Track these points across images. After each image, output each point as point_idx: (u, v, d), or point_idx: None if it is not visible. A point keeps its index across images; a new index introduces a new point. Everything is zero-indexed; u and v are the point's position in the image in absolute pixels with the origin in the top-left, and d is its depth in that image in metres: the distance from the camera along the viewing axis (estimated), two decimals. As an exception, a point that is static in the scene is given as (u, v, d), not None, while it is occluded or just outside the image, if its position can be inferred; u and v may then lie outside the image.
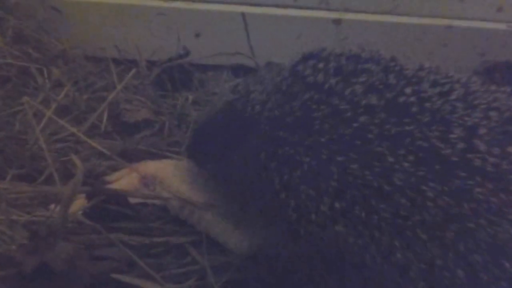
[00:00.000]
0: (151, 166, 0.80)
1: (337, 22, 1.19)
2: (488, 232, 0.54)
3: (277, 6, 1.19)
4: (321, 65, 0.62)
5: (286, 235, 0.63)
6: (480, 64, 1.20)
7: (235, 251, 0.72)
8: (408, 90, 0.58)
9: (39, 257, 0.59)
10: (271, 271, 0.68)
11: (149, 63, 1.13)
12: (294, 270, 0.66)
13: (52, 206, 0.71)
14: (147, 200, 0.76)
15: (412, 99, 0.57)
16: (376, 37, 1.18)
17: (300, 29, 1.19)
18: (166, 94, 1.08)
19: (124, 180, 0.79)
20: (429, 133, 0.55)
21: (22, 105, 0.92)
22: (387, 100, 0.57)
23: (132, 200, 0.76)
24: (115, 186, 0.78)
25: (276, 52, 1.17)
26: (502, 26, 1.18)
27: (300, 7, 1.20)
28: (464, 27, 1.18)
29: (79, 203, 0.72)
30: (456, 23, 1.18)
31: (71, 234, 0.69)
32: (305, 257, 0.63)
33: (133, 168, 0.80)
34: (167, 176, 0.77)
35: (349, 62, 0.61)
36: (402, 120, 0.56)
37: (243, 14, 1.06)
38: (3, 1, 1.05)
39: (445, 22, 1.18)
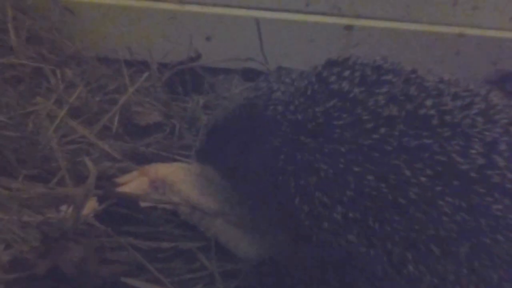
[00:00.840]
0: (161, 170, 0.80)
1: (349, 28, 1.19)
2: (504, 248, 0.54)
3: (288, 11, 1.20)
4: (346, 73, 0.61)
5: (297, 242, 0.63)
6: (492, 73, 1.19)
7: (244, 258, 0.72)
8: (428, 103, 0.58)
9: (51, 260, 0.60)
10: (280, 278, 0.68)
11: (160, 66, 1.13)
12: (304, 277, 0.66)
13: (64, 207, 0.72)
14: (158, 204, 0.76)
15: (432, 111, 0.57)
16: (388, 44, 1.18)
17: (312, 35, 1.19)
18: (177, 97, 1.09)
19: (134, 183, 0.79)
20: (448, 147, 0.55)
21: (35, 105, 0.93)
22: (408, 112, 0.57)
23: (143, 204, 0.76)
24: (125, 188, 0.78)
25: (287, 57, 1.18)
26: (514, 36, 1.17)
27: (312, 13, 1.20)
28: (476, 36, 1.17)
29: (91, 206, 0.73)
30: (469, 31, 1.18)
31: (82, 236, 0.70)
32: (315, 265, 0.63)
33: (143, 171, 0.80)
34: (177, 180, 0.78)
35: (373, 72, 0.61)
36: (421, 133, 0.56)
37: (257, 21, 1.07)
38: (18, 2, 1.06)
39: (457, 30, 1.18)
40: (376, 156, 0.56)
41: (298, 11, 1.20)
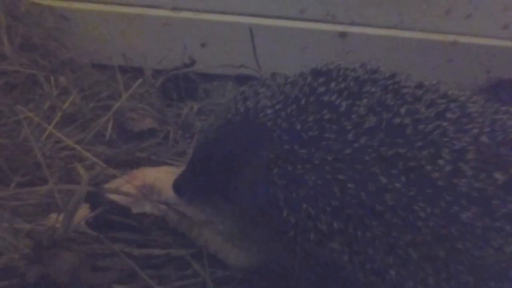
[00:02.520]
0: (149, 175, 0.79)
1: (343, 35, 1.19)
2: (474, 254, 0.55)
3: (282, 18, 1.20)
4: (333, 85, 0.62)
5: (282, 252, 0.63)
6: (485, 81, 1.20)
7: (234, 267, 0.72)
8: (403, 111, 0.59)
9: (42, 268, 0.59)
10: (272, 286, 0.68)
11: (155, 72, 1.14)
12: (292, 285, 0.66)
13: (55, 215, 0.72)
14: (149, 211, 0.76)
15: (407, 120, 0.58)
16: (381, 51, 1.19)
17: (306, 42, 1.20)
18: (171, 103, 1.09)
19: (122, 189, 0.78)
20: (419, 156, 0.56)
21: (27, 113, 0.93)
22: (385, 121, 0.59)
23: (135, 210, 0.76)
24: (113, 195, 0.77)
25: (281, 64, 1.18)
26: (508, 44, 1.18)
27: (306, 20, 1.20)
28: (469, 44, 1.18)
29: (82, 213, 0.72)
30: (462, 39, 1.19)
31: (73, 243, 0.69)
32: (301, 274, 0.64)
33: (132, 176, 0.79)
34: (165, 187, 0.76)
35: (355, 83, 0.62)
36: (396, 141, 0.57)
37: (250, 29, 1.07)
38: (13, 8, 1.06)
39: (451, 38, 1.19)
40: (357, 165, 0.57)
41: (292, 18, 1.20)
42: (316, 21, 1.20)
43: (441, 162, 0.56)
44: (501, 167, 0.56)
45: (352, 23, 1.20)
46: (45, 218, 0.73)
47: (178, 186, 0.75)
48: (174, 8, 1.18)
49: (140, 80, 1.01)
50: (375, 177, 0.56)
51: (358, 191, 0.57)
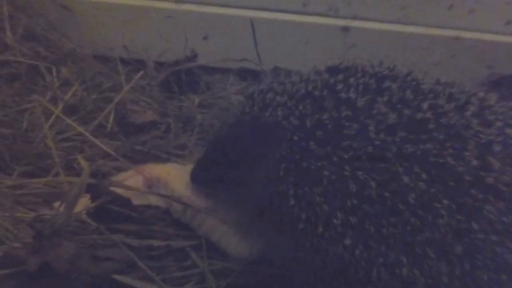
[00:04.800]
0: (156, 169, 0.80)
1: (345, 29, 1.19)
2: (495, 250, 0.54)
3: (285, 11, 1.20)
4: (351, 81, 0.61)
5: (291, 246, 0.63)
6: (487, 76, 1.20)
7: (235, 257, 0.73)
8: (425, 105, 0.58)
9: (43, 257, 0.60)
10: (275, 278, 0.68)
11: (157, 65, 1.14)
12: (297, 279, 0.66)
13: (57, 204, 0.72)
14: (151, 202, 0.76)
15: (429, 114, 0.57)
16: (384, 46, 1.18)
17: (308, 36, 1.19)
18: (172, 96, 1.09)
19: (128, 181, 0.79)
20: (443, 151, 0.55)
21: (30, 103, 0.93)
22: (406, 117, 0.58)
23: (136, 202, 0.76)
24: (120, 187, 0.78)
25: (283, 58, 1.18)
26: (510, 39, 1.18)
27: (309, 13, 1.20)
28: (472, 39, 1.18)
29: (83, 203, 0.73)
30: (465, 34, 1.18)
31: (73, 233, 0.70)
32: (309, 269, 0.63)
33: (138, 170, 0.80)
34: (171, 179, 0.78)
35: (373, 79, 0.61)
36: (419, 137, 0.56)
37: (251, 22, 1.07)
38: (15, -1, 1.06)
39: (454, 33, 1.18)
40: (379, 163, 0.57)
41: (295, 12, 1.20)
42: (319, 15, 1.20)
43: (467, 155, 0.55)
44: None
45: (355, 18, 1.20)
46: (46, 208, 0.74)
47: (196, 175, 0.74)
48: (177, 1, 1.17)
49: (141, 72, 1.01)
50: (397, 176, 0.56)
51: (379, 189, 0.56)
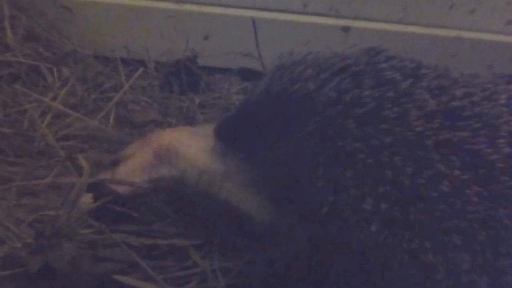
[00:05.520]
0: (164, 137, 0.76)
1: (346, 29, 1.19)
2: None
3: (286, 11, 1.20)
4: (394, 62, 0.60)
5: (313, 230, 0.62)
6: (487, 76, 1.20)
7: (257, 220, 0.69)
8: (459, 94, 0.58)
9: (44, 257, 0.60)
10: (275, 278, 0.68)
11: (157, 65, 1.14)
12: (315, 266, 0.66)
13: (58, 204, 0.72)
14: (164, 174, 0.74)
15: (465, 102, 0.58)
16: (385, 46, 1.18)
17: (309, 36, 1.19)
18: (173, 96, 1.09)
19: (137, 157, 0.76)
20: (477, 138, 0.56)
21: (31, 103, 0.93)
22: (444, 104, 0.57)
23: (145, 177, 0.74)
24: (128, 164, 0.75)
25: (283, 58, 1.18)
26: (511, 39, 1.18)
27: (309, 14, 1.20)
28: (473, 39, 1.18)
29: (85, 203, 0.73)
30: (465, 34, 1.18)
31: (74, 233, 0.70)
32: (327, 256, 0.63)
33: (146, 139, 0.77)
34: (182, 145, 0.74)
35: (412, 64, 0.61)
36: (455, 124, 0.56)
37: (253, 20, 1.07)
38: (15, -1, 1.06)
39: (454, 33, 1.18)
40: (418, 150, 0.56)
41: (295, 12, 1.20)
42: (320, 15, 1.20)
43: (500, 143, 0.56)
44: None
45: (356, 18, 1.20)
46: (47, 208, 0.74)
47: (221, 130, 0.70)
48: (178, 1, 1.17)
49: (141, 69, 1.01)
50: (433, 163, 0.55)
51: (414, 177, 0.55)
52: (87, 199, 0.73)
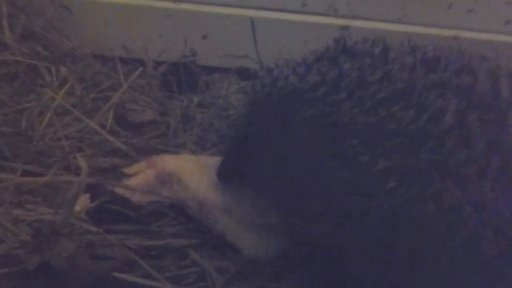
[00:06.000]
0: (169, 162, 0.78)
1: (344, 29, 1.19)
2: None
3: (285, 11, 1.20)
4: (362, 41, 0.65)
5: (330, 217, 0.63)
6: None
7: (250, 255, 0.72)
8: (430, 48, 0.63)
9: (42, 255, 0.60)
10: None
11: (156, 64, 1.14)
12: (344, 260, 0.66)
13: (56, 203, 0.72)
14: (162, 199, 0.75)
15: (437, 54, 0.62)
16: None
17: (307, 35, 1.19)
18: (171, 95, 1.09)
19: (140, 176, 0.78)
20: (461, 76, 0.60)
21: (30, 102, 0.93)
22: (420, 58, 0.62)
23: (140, 198, 0.75)
24: (131, 182, 0.77)
25: (282, 57, 1.18)
26: (509, 39, 1.18)
27: (308, 13, 1.20)
28: (471, 38, 1.18)
29: (83, 203, 0.73)
30: (464, 34, 1.18)
31: (73, 232, 0.70)
32: (358, 243, 0.63)
33: (150, 162, 0.79)
34: (185, 174, 0.76)
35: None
36: (437, 68, 0.61)
37: (251, 20, 1.07)
38: (14, -2, 1.06)
39: (453, 32, 1.18)
40: (412, 95, 0.58)
41: (294, 11, 1.20)
42: (318, 14, 1.20)
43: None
44: None
45: (354, 17, 1.20)
46: (46, 207, 0.74)
47: (224, 171, 0.73)
48: (176, 0, 1.18)
49: (140, 69, 1.01)
50: (430, 102, 0.57)
51: (417, 119, 0.57)
52: (85, 199, 0.73)
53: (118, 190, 0.75)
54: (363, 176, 0.57)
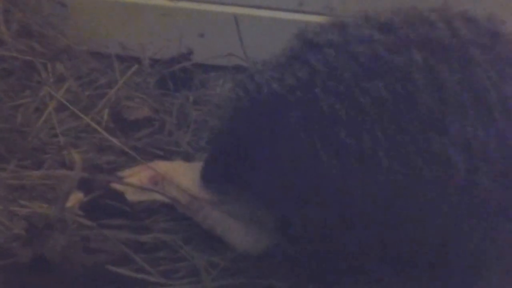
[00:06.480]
0: (162, 166, 0.81)
1: (340, 28, 1.20)
2: None
3: (282, 10, 1.21)
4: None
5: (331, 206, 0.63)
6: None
7: (239, 251, 0.73)
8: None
9: (35, 248, 0.60)
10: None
11: (152, 61, 1.14)
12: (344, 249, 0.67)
13: (51, 198, 0.73)
14: (156, 199, 0.77)
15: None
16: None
17: (303, 34, 1.20)
18: (167, 93, 1.09)
19: (133, 177, 0.80)
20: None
21: (25, 98, 0.94)
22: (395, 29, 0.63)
23: (133, 197, 0.77)
24: (118, 183, 0.78)
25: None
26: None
27: (305, 12, 1.21)
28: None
29: (76, 197, 0.73)
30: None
31: (66, 226, 0.70)
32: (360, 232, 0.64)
33: (144, 166, 0.81)
34: (177, 175, 0.78)
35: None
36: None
37: (235, 17, 1.08)
38: (10, -6, 1.07)
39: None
40: (377, 65, 0.58)
41: (291, 10, 1.21)
42: (315, 13, 1.21)
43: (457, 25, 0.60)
44: None
45: (350, 16, 1.20)
46: (40, 202, 0.74)
47: (207, 175, 0.75)
48: (173, -2, 1.18)
49: (135, 66, 1.02)
50: (422, 71, 0.58)
51: (414, 92, 0.57)
52: (79, 194, 0.74)
53: (112, 185, 0.75)
54: (354, 161, 0.58)
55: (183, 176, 0.78)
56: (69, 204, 0.70)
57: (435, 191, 0.58)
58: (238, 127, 0.68)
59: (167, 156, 0.91)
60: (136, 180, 0.79)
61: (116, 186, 0.76)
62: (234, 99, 0.67)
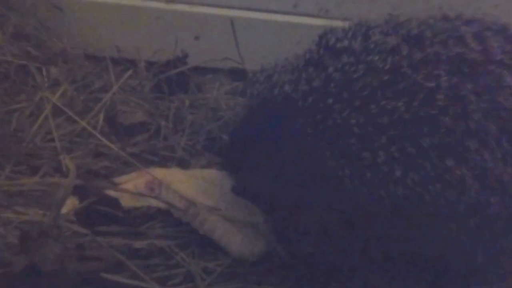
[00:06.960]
0: (159, 172, 0.81)
1: (335, 30, 1.20)
2: None
3: (276, 12, 1.20)
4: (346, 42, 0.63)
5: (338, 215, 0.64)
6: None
7: (236, 256, 0.73)
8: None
9: (29, 257, 0.60)
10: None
11: (148, 65, 1.14)
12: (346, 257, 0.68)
13: (45, 205, 0.72)
14: (152, 204, 0.77)
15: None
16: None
17: (299, 36, 1.19)
18: (162, 96, 1.09)
19: (129, 185, 0.80)
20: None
21: (20, 103, 0.93)
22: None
23: (128, 203, 0.77)
24: (112, 189, 0.78)
25: (273, 58, 1.18)
26: None
27: (299, 14, 1.21)
28: None
29: (71, 204, 0.73)
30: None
31: (60, 234, 0.70)
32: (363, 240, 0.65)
33: (141, 173, 0.81)
34: (174, 181, 0.79)
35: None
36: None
37: (231, 20, 1.08)
38: (5, -2, 1.06)
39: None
40: (398, 80, 0.57)
41: (285, 13, 1.21)
42: (309, 16, 1.21)
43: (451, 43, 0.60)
44: None
45: (345, 19, 1.20)
46: (34, 209, 0.74)
47: (239, 187, 0.76)
48: (168, 1, 1.18)
49: (130, 71, 1.01)
50: (419, 85, 0.57)
51: (409, 106, 0.57)
52: (73, 201, 0.74)
53: (107, 192, 0.75)
54: (368, 171, 0.58)
55: (180, 182, 0.79)
56: (64, 210, 0.69)
57: (447, 210, 0.58)
58: (247, 124, 0.68)
59: (163, 162, 0.91)
60: (131, 186, 0.79)
61: (111, 192, 0.76)
62: (248, 98, 0.68)
